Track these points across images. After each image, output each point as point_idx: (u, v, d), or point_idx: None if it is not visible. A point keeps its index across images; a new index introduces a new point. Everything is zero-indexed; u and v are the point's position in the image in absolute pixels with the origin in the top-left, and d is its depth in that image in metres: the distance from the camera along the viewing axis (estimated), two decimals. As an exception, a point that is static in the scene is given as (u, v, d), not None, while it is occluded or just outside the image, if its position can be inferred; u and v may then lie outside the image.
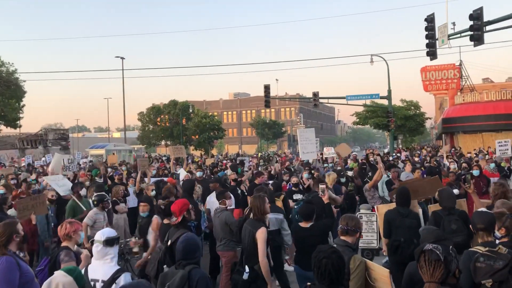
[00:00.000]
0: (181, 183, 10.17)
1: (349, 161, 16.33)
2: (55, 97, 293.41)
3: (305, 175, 10.43)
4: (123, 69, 45.75)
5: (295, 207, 7.69)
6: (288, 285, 6.46)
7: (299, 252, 5.59)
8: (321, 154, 20.05)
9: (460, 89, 38.87)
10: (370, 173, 11.93)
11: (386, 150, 35.06)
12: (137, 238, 8.64)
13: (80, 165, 20.51)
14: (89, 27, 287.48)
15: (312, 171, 12.38)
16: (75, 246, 4.60)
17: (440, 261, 2.77)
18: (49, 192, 8.91)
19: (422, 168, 13.22)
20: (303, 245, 5.42)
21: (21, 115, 43.27)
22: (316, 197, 7.27)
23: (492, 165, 12.16)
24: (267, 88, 29.96)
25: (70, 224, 4.50)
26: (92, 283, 3.62)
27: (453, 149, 23.21)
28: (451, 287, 2.81)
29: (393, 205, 6.43)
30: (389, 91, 30.41)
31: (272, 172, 12.30)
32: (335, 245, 3.74)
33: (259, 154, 37.05)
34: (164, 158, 29.95)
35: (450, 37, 18.08)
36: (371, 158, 14.65)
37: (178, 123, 54.41)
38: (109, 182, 11.59)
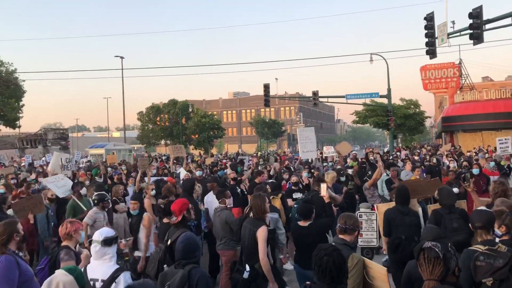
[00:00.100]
0: (181, 182, 10.17)
1: (348, 160, 16.33)
2: (54, 97, 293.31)
3: (304, 174, 10.43)
4: (122, 69, 45.82)
5: (295, 206, 7.69)
6: (284, 284, 6.48)
7: (298, 251, 5.61)
8: (321, 153, 20.05)
9: (459, 87, 38.89)
10: (369, 172, 11.92)
11: (386, 149, 35.06)
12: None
13: (78, 164, 20.51)
14: (88, 26, 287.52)
15: (312, 170, 12.39)
16: (77, 245, 4.61)
17: (439, 259, 2.77)
18: (49, 191, 8.90)
19: (422, 167, 13.23)
20: (301, 244, 5.44)
21: (20, 115, 43.30)
22: (315, 196, 7.28)
23: (492, 163, 12.17)
24: (266, 87, 29.96)
25: (71, 224, 4.51)
26: (91, 282, 3.63)
27: (452, 147, 23.19)
28: (450, 285, 2.81)
29: (392, 204, 6.45)
30: (389, 90, 30.41)
31: (271, 172, 12.29)
32: (333, 244, 3.75)
33: (259, 153, 37.05)
34: (163, 158, 29.96)
35: (450, 36, 18.10)
36: (370, 157, 14.65)
37: (177, 122, 54.44)
38: (109, 181, 11.59)
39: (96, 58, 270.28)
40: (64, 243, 4.47)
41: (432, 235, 3.58)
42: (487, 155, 15.84)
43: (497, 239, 3.84)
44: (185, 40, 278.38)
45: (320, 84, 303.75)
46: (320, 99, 32.23)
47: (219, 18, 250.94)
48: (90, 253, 3.93)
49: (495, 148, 19.77)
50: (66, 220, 4.68)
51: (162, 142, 58.70)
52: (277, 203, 7.72)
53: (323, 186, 7.31)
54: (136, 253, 6.84)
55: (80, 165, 20.97)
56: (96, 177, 12.87)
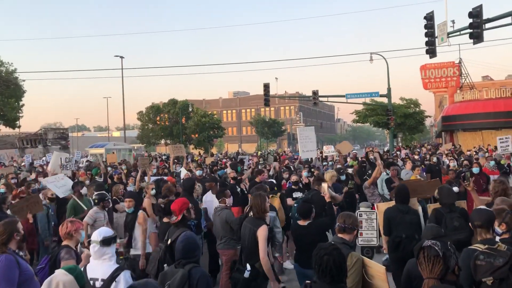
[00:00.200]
0: (181, 181, 10.18)
1: (348, 159, 16.33)
2: (54, 97, 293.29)
3: (304, 173, 10.44)
4: (122, 68, 45.79)
5: (295, 205, 7.69)
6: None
7: (298, 250, 5.62)
8: (321, 152, 20.06)
9: (459, 87, 38.89)
10: (370, 171, 11.93)
11: (386, 148, 35.06)
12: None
13: (78, 164, 20.52)
14: (88, 26, 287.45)
15: (312, 169, 12.39)
16: (79, 245, 4.62)
17: (439, 257, 2.77)
18: (49, 191, 8.90)
19: (422, 165, 13.23)
20: (301, 243, 5.46)
21: (20, 115, 43.30)
22: (315, 195, 7.28)
23: (492, 162, 12.18)
24: (266, 86, 29.96)
25: (71, 223, 4.52)
26: (91, 282, 3.63)
27: (452, 147, 23.21)
28: (450, 284, 2.81)
29: (392, 203, 6.46)
30: (389, 89, 30.39)
31: (271, 172, 12.30)
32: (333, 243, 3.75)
33: (259, 152, 37.05)
34: (164, 157, 29.98)
35: (450, 35, 18.10)
36: (370, 156, 14.66)
37: (177, 122, 54.45)
38: (109, 181, 11.59)
39: (96, 57, 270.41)
40: (64, 243, 4.47)
41: (432, 234, 3.59)
42: (487, 154, 15.85)
43: (497, 238, 3.84)
44: (185, 39, 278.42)
45: (320, 84, 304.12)
46: (320, 99, 32.22)
47: (219, 18, 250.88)
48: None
49: (495, 147, 19.78)
50: (66, 219, 4.69)
51: (162, 141, 58.74)
52: (276, 202, 7.72)
53: (324, 186, 7.32)
54: (132, 252, 6.84)
55: (80, 165, 20.99)
56: (96, 177, 12.88)
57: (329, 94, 34.03)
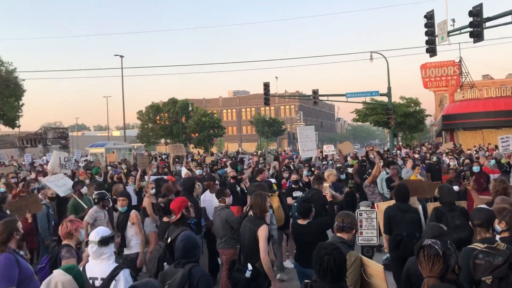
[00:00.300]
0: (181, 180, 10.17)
1: (349, 159, 16.33)
2: (54, 96, 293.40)
3: (304, 172, 10.43)
4: (122, 68, 45.73)
5: (295, 204, 7.69)
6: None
7: (298, 249, 5.63)
8: (321, 151, 20.06)
9: (460, 86, 38.89)
10: (370, 170, 11.93)
11: (386, 147, 35.08)
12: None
13: (78, 163, 20.53)
14: (88, 25, 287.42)
15: (312, 169, 12.39)
16: (82, 245, 4.61)
17: (439, 256, 2.77)
18: (49, 190, 8.89)
19: (423, 164, 13.22)
20: (301, 242, 5.46)
21: (20, 114, 43.31)
22: (315, 194, 7.28)
23: (492, 161, 12.16)
24: (266, 86, 29.96)
25: (71, 223, 4.52)
26: (90, 281, 3.62)
27: (453, 146, 23.21)
28: (450, 283, 2.81)
29: (392, 202, 6.46)
30: (389, 88, 30.39)
31: (271, 171, 12.29)
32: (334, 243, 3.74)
33: (259, 152, 37.06)
34: (164, 156, 29.98)
35: (450, 34, 18.09)
36: (371, 155, 14.65)
37: (177, 121, 54.46)
38: (109, 180, 11.59)
39: (96, 57, 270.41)
40: (64, 242, 4.48)
41: (433, 233, 3.58)
42: (487, 153, 15.84)
43: (497, 237, 3.83)
44: (185, 39, 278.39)
45: (320, 83, 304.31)
46: (320, 98, 32.22)
47: (219, 17, 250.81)
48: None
49: (496, 146, 19.79)
50: (65, 219, 4.68)
51: (162, 141, 58.74)
52: (275, 201, 7.72)
53: (326, 185, 7.33)
54: (125, 251, 6.82)
55: (80, 164, 20.99)
56: (96, 176, 12.87)
57: (329, 93, 34.09)
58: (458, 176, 10.54)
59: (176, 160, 15.86)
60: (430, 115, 48.91)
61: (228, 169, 12.31)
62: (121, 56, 45.33)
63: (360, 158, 15.47)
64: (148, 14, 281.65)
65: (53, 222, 8.53)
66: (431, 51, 18.46)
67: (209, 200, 8.09)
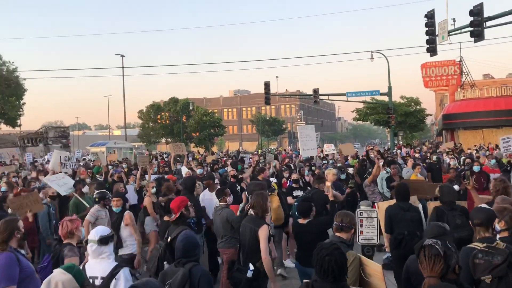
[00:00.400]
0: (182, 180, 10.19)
1: (349, 158, 16.33)
2: (55, 95, 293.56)
3: (305, 171, 10.44)
4: (123, 67, 45.72)
5: (295, 203, 7.71)
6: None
7: (298, 249, 5.64)
8: (322, 151, 20.07)
9: (460, 85, 38.85)
10: (370, 170, 11.94)
11: (386, 147, 35.07)
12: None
13: (79, 162, 20.53)
14: (89, 24, 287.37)
15: (313, 168, 12.40)
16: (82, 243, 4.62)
17: (439, 256, 2.77)
18: (50, 189, 8.90)
19: (423, 164, 13.20)
20: (301, 241, 5.48)
21: (21, 113, 43.32)
22: (316, 193, 7.29)
23: (493, 161, 12.16)
24: (267, 85, 29.94)
25: (71, 222, 4.53)
26: (90, 280, 3.63)
27: (453, 145, 23.20)
28: (451, 282, 2.81)
29: (393, 201, 6.47)
30: (390, 88, 30.36)
31: (271, 170, 12.30)
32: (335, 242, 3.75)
33: (259, 151, 37.06)
34: (164, 156, 29.99)
35: (450, 33, 18.07)
36: (371, 155, 14.66)
37: (178, 120, 54.43)
38: (109, 179, 11.61)
39: (97, 56, 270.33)
40: (65, 241, 4.49)
41: (433, 233, 3.59)
42: (487, 153, 15.84)
43: (497, 236, 3.84)
44: (185, 38, 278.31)
45: (320, 82, 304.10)
46: (321, 97, 32.19)
47: (219, 17, 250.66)
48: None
49: (496, 146, 19.78)
50: (64, 219, 4.69)
51: (163, 140, 58.72)
52: (275, 200, 7.73)
53: (328, 185, 7.36)
54: (120, 252, 6.82)
55: (81, 163, 20.99)
56: (97, 175, 12.89)
57: (330, 93, 34.00)
58: (459, 175, 10.55)
59: (178, 159, 15.86)
60: (430, 115, 48.86)
61: (229, 168, 12.33)
62: (122, 56, 45.39)
63: (360, 157, 15.46)
64: (149, 14, 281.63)
65: (54, 221, 8.54)
66: (432, 50, 18.44)
67: (208, 199, 8.10)
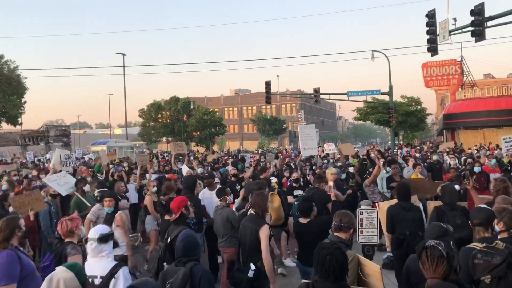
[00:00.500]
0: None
1: (350, 158, 16.32)
2: (56, 94, 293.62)
3: (307, 171, 10.45)
4: (124, 66, 45.71)
5: (295, 203, 7.72)
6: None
7: (300, 248, 5.66)
8: (322, 150, 20.07)
9: (461, 85, 38.81)
10: (370, 169, 11.94)
11: (387, 146, 35.06)
12: (139, 234, 8.69)
13: (79, 160, 20.55)
14: (90, 23, 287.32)
15: (314, 167, 12.41)
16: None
17: (443, 257, 2.76)
18: (51, 187, 8.90)
19: (424, 164, 13.20)
20: (302, 241, 5.48)
21: (22, 112, 43.36)
22: (316, 193, 7.29)
23: (493, 161, 12.16)
24: (268, 84, 29.94)
25: (71, 221, 4.53)
26: (90, 279, 3.63)
27: (454, 145, 23.18)
28: (452, 282, 2.82)
29: (394, 201, 6.48)
30: (390, 87, 30.34)
31: (271, 170, 12.31)
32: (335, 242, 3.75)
33: (260, 150, 37.06)
34: (165, 155, 30.02)
35: (451, 33, 18.04)
36: (372, 154, 14.66)
37: (179, 119, 54.42)
38: (110, 178, 11.62)
39: (98, 55, 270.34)
40: (67, 240, 4.50)
41: (435, 233, 3.59)
42: (488, 153, 15.84)
43: (498, 237, 3.84)
44: (186, 37, 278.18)
45: (321, 81, 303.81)
46: (322, 96, 32.18)
47: (220, 16, 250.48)
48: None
49: (497, 145, 19.77)
50: (63, 218, 4.70)
51: (164, 139, 58.73)
52: (276, 199, 7.74)
53: (330, 185, 7.36)
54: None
55: (81, 161, 21.01)
56: (98, 174, 12.90)
57: (331, 92, 33.99)
58: (459, 175, 10.55)
59: (180, 157, 15.85)
60: (431, 114, 48.82)
61: (229, 168, 12.35)
62: (123, 54, 45.40)
63: (361, 157, 15.47)
64: (150, 13, 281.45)
65: (55, 220, 8.55)
66: (433, 50, 18.42)
67: (208, 198, 8.11)
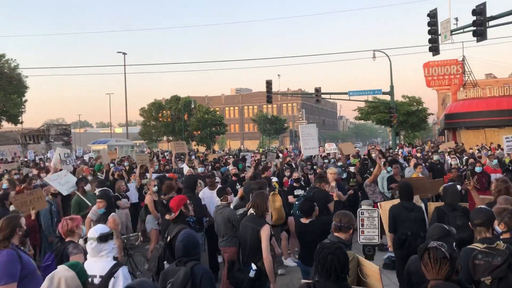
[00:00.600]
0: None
1: (351, 157, 16.30)
2: (57, 93, 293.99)
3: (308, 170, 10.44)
4: (125, 65, 45.69)
5: (296, 202, 7.72)
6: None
7: (301, 248, 5.67)
8: (323, 150, 20.07)
9: (462, 84, 38.79)
10: (371, 169, 11.94)
11: (388, 146, 35.02)
12: (140, 233, 8.69)
13: (80, 159, 20.56)
14: (91, 22, 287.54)
15: (314, 167, 12.41)
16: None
17: (446, 259, 2.76)
18: (51, 186, 8.90)
19: (426, 163, 13.18)
20: (304, 241, 5.48)
21: (23, 111, 43.39)
22: (317, 192, 7.28)
23: (495, 161, 12.14)
24: (269, 83, 29.92)
25: (71, 220, 4.53)
26: (89, 279, 3.63)
27: (455, 145, 23.14)
28: (454, 283, 2.81)
29: (396, 201, 6.47)
30: (392, 87, 30.31)
31: (272, 169, 12.32)
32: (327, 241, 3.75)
33: (260, 150, 37.06)
34: (166, 154, 30.02)
35: (453, 33, 18.02)
36: (373, 154, 14.65)
37: (180, 118, 54.42)
38: (111, 177, 11.62)
39: (98, 54, 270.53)
40: (67, 239, 4.50)
41: (437, 234, 3.57)
42: (489, 153, 15.83)
43: (500, 237, 3.83)
44: (187, 37, 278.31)
45: (322, 81, 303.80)
46: (323, 96, 32.15)
47: (221, 15, 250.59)
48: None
49: (498, 146, 19.74)
50: (64, 217, 4.69)
51: (164, 138, 58.74)
52: (278, 199, 7.73)
53: (332, 185, 7.35)
54: None
55: (85, 158, 21.02)
56: (98, 173, 12.90)
57: (332, 91, 34.00)
58: (460, 175, 10.54)
59: (182, 157, 15.83)
60: (432, 114, 48.75)
61: (230, 167, 12.35)
62: (124, 53, 45.42)
63: (362, 156, 15.46)
64: (151, 12, 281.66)
65: (55, 219, 8.55)
66: (434, 49, 18.40)
67: (209, 197, 8.11)
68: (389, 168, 10.16)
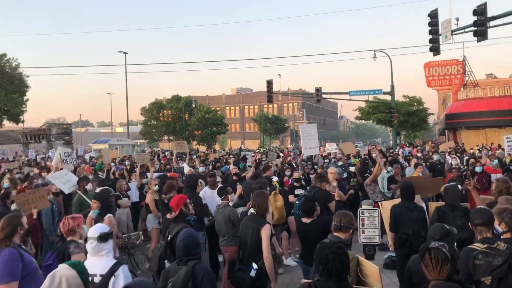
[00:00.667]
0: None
1: (351, 157, 16.30)
2: (58, 92, 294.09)
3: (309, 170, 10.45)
4: (126, 64, 45.61)
5: (297, 202, 7.73)
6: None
7: (303, 248, 5.68)
8: (324, 149, 20.07)
9: (463, 84, 38.76)
10: (372, 169, 11.94)
11: (388, 146, 34.99)
12: (141, 232, 8.70)
13: (81, 158, 20.59)
14: (92, 22, 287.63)
15: (315, 167, 12.42)
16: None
17: (447, 259, 2.76)
18: (53, 186, 8.92)
19: (426, 163, 13.18)
20: (305, 241, 5.48)
21: (24, 110, 43.38)
22: (317, 192, 7.30)
23: (495, 161, 12.14)
24: (269, 83, 29.93)
25: (72, 220, 4.54)
26: (89, 278, 3.65)
27: (455, 145, 23.13)
28: (454, 282, 2.82)
29: (397, 200, 6.49)
30: (392, 87, 30.30)
31: (273, 169, 12.33)
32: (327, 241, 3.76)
33: (261, 149, 37.05)
34: (167, 153, 30.04)
35: (454, 33, 18.03)
36: (373, 154, 14.65)
37: (180, 118, 54.44)
38: (112, 177, 11.64)
39: (99, 53, 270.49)
40: (69, 238, 4.51)
41: (437, 234, 3.58)
42: (490, 153, 15.82)
43: (501, 237, 3.83)
44: (188, 36, 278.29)
45: (323, 81, 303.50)
46: (323, 96, 32.18)
47: (222, 15, 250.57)
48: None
49: (499, 146, 19.73)
50: (65, 216, 4.70)
51: (165, 137, 58.75)
52: (279, 199, 7.74)
53: (334, 185, 7.35)
54: None
55: (86, 157, 21.03)
56: (99, 172, 12.92)
57: (332, 91, 34.03)
58: (461, 175, 10.54)
59: (183, 156, 15.82)
60: (433, 114, 48.72)
61: (231, 166, 12.36)
62: (125, 53, 45.34)
63: (362, 156, 15.45)
64: (152, 11, 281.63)
65: (57, 218, 8.57)
66: (435, 50, 18.40)
67: (209, 196, 8.12)
68: (389, 168, 10.16)
